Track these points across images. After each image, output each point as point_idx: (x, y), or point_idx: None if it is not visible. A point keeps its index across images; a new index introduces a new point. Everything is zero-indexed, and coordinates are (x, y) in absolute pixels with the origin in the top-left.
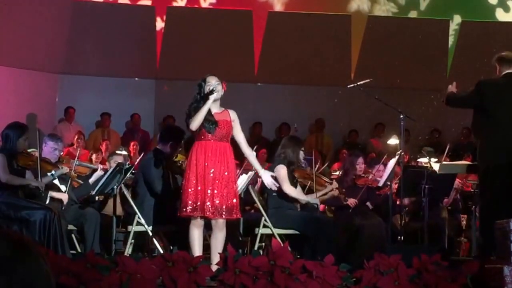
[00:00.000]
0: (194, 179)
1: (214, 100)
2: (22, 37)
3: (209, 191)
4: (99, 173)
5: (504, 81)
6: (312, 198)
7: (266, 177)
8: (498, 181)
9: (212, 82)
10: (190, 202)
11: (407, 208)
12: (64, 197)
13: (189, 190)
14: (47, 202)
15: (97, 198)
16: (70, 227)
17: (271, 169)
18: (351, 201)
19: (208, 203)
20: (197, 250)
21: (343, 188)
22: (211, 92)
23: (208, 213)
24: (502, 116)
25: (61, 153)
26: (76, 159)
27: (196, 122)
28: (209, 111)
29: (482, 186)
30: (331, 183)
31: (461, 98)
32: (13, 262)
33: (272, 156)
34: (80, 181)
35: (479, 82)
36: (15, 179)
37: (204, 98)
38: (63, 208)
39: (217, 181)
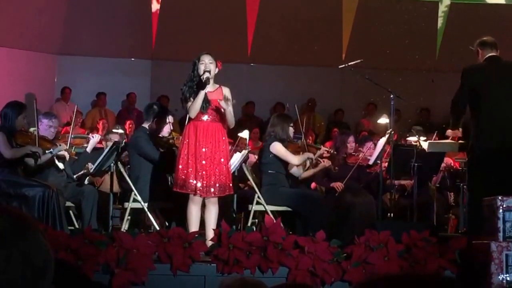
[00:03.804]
0: (185, 158)
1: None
2: (20, 18)
3: (200, 172)
4: (94, 140)
5: (487, 64)
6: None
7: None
8: (488, 161)
9: (206, 61)
10: (180, 180)
11: (396, 186)
12: (65, 152)
13: (180, 167)
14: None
15: (86, 181)
16: (68, 204)
17: (264, 148)
18: (337, 185)
19: (199, 184)
20: (193, 226)
21: (335, 166)
22: (206, 82)
23: (198, 192)
24: (490, 98)
25: (57, 130)
26: (70, 132)
27: (193, 111)
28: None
29: (472, 166)
30: (320, 148)
31: (457, 96)
32: (13, 236)
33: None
34: (76, 157)
35: (463, 70)
36: (17, 152)
37: (198, 85)
38: (67, 160)
39: (208, 161)
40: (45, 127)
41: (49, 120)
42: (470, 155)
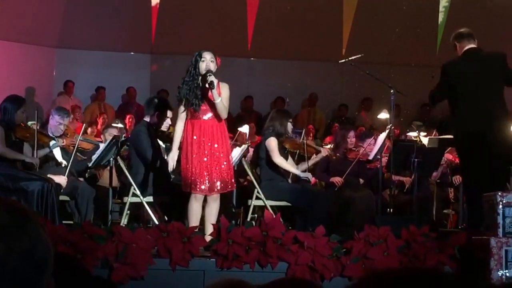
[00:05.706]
0: (185, 157)
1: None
2: (19, 11)
3: (203, 171)
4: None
5: (465, 58)
6: (304, 173)
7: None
8: (472, 154)
9: (207, 58)
10: (183, 180)
11: (396, 182)
12: (63, 181)
13: (184, 167)
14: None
15: (88, 175)
16: (65, 198)
17: (261, 142)
18: (337, 179)
19: (199, 183)
20: (193, 222)
21: (335, 161)
22: (211, 86)
23: (203, 191)
24: (469, 92)
25: (66, 128)
26: (80, 134)
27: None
28: (200, 88)
29: (461, 162)
30: (320, 151)
31: (436, 89)
32: (13, 229)
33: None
34: (83, 156)
35: (443, 66)
36: (11, 153)
37: (202, 86)
38: (61, 190)
39: (209, 159)
40: (55, 123)
41: (61, 117)
42: (457, 151)
